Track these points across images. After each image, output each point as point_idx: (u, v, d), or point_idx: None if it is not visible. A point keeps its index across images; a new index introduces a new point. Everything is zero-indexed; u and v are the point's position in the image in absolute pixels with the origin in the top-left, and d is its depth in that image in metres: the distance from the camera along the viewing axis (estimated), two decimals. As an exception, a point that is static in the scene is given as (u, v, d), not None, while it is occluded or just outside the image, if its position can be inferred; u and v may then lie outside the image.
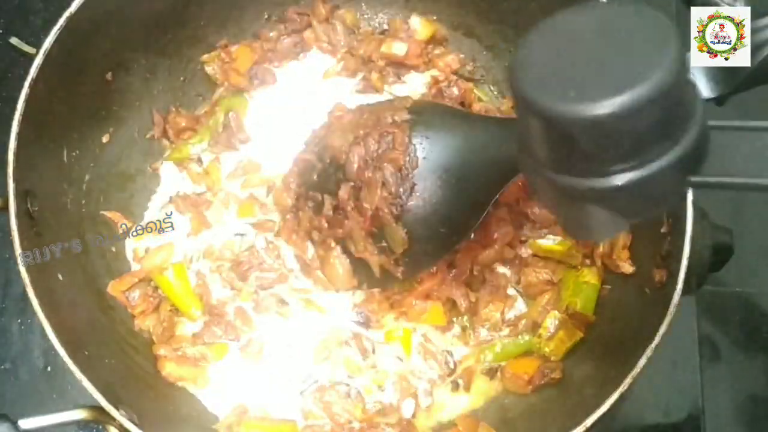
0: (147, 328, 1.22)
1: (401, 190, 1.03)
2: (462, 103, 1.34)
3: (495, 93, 1.40)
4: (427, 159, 1.04)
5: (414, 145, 1.04)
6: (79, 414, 0.99)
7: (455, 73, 1.38)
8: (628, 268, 1.21)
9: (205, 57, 1.37)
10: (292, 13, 1.39)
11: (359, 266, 1.12)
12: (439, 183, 1.03)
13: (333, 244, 1.13)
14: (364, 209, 1.06)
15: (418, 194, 1.04)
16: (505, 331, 1.24)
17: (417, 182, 1.03)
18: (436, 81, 1.37)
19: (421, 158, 1.03)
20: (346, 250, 1.12)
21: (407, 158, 1.03)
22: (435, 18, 1.40)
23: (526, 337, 1.23)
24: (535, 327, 1.23)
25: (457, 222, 1.06)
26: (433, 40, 1.39)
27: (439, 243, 1.08)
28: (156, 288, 1.23)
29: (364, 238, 1.08)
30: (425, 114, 1.09)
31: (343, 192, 1.09)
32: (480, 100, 1.37)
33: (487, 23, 1.38)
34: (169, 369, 1.19)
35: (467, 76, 1.40)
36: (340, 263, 1.13)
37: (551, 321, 1.21)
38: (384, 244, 1.08)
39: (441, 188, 1.03)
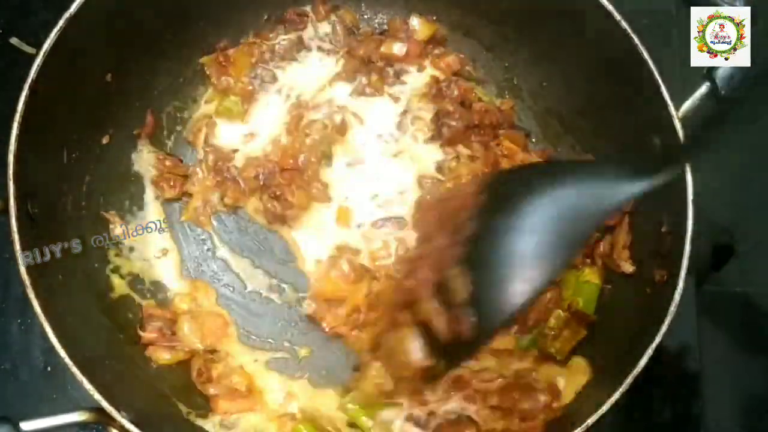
0: (160, 361, 1.22)
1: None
2: (462, 103, 1.34)
3: (496, 92, 1.40)
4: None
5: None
6: (80, 416, 0.99)
7: (456, 73, 1.38)
8: (628, 267, 1.21)
9: (204, 59, 1.37)
10: (291, 13, 1.39)
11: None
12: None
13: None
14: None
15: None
16: (514, 328, 1.24)
17: None
18: (436, 80, 1.37)
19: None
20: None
21: None
22: (435, 18, 1.40)
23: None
24: (539, 326, 1.23)
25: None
26: (433, 41, 1.39)
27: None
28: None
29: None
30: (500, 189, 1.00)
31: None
32: (480, 99, 1.37)
33: (487, 23, 1.38)
34: (225, 407, 1.19)
35: (467, 76, 1.40)
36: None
37: (555, 320, 1.21)
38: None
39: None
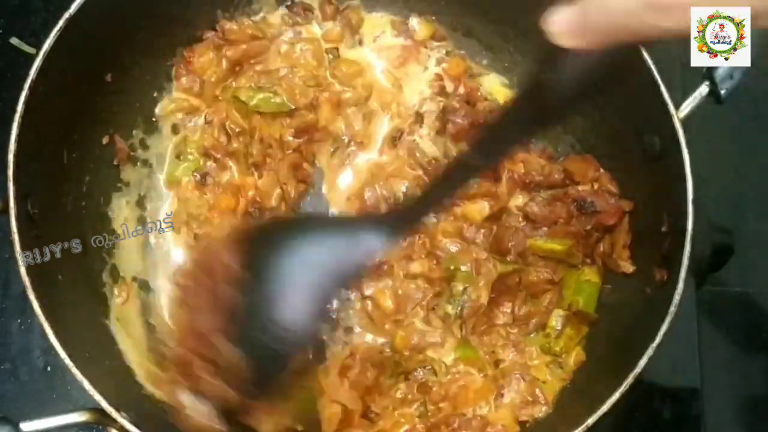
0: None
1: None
2: (467, 102, 1.34)
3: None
4: None
5: None
6: (81, 416, 0.99)
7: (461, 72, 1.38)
8: (628, 267, 1.21)
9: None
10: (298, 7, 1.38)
11: None
12: None
13: None
14: None
15: None
16: (515, 330, 1.24)
17: None
18: (439, 78, 1.37)
19: None
20: None
21: None
22: (434, 18, 1.40)
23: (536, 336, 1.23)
24: (542, 326, 1.23)
25: None
26: (433, 40, 1.39)
27: None
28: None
29: None
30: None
31: None
32: (485, 99, 1.36)
33: (486, 23, 1.38)
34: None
35: (471, 73, 1.40)
36: None
37: (557, 319, 1.21)
38: None
39: None
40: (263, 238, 0.97)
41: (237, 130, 1.31)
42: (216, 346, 0.88)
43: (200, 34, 1.34)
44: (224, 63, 1.33)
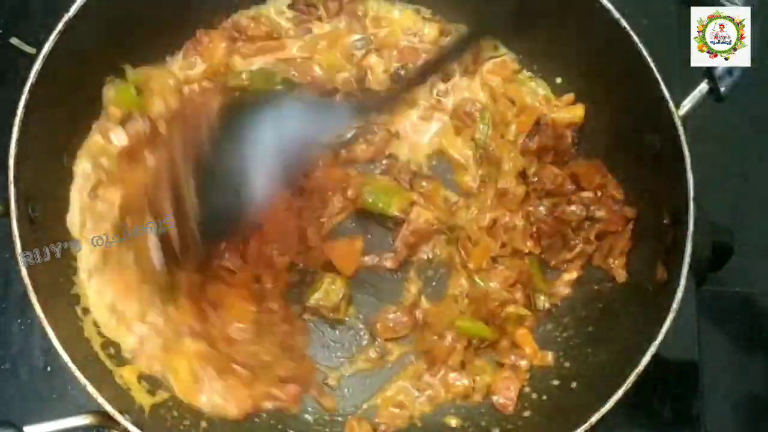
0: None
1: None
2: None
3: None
4: None
5: None
6: (84, 419, 0.99)
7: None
8: (622, 275, 1.22)
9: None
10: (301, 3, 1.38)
11: None
12: None
13: None
14: None
15: None
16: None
17: None
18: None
19: None
20: None
21: None
22: (438, 18, 1.38)
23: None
24: None
25: None
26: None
27: None
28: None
29: None
30: None
31: None
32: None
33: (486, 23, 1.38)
34: None
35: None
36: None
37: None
38: None
39: None
40: (241, 104, 1.09)
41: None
42: (181, 189, 1.01)
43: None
44: (236, 56, 1.34)
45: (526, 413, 1.20)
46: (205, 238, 1.03)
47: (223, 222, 1.06)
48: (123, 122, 1.20)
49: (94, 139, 1.21)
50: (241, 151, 1.01)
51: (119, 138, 1.18)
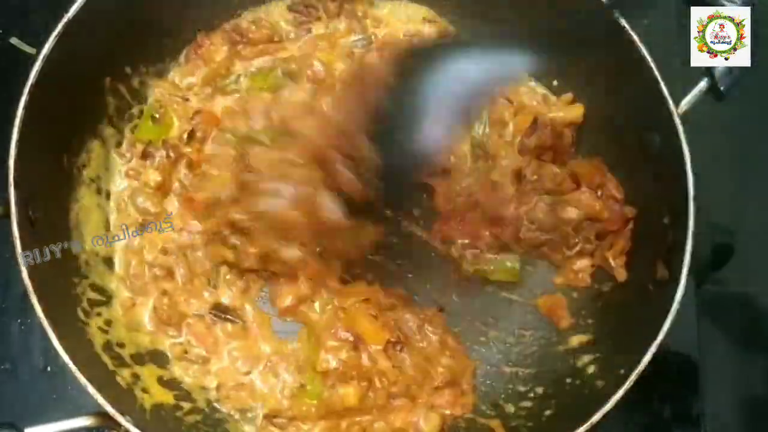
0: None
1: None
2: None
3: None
4: None
5: None
6: (85, 421, 0.99)
7: None
8: (622, 274, 1.22)
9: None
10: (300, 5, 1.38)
11: None
12: None
13: None
14: None
15: None
16: None
17: None
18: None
19: None
20: None
21: None
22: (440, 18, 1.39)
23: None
24: None
25: None
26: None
27: None
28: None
29: None
30: None
31: None
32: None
33: (485, 23, 1.38)
34: None
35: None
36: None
37: None
38: None
39: None
40: (414, 56, 1.07)
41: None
42: (357, 142, 1.03)
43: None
44: (236, 60, 1.34)
45: (525, 412, 1.20)
46: (387, 184, 1.04)
47: (403, 169, 1.06)
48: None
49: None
50: (416, 101, 1.01)
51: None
